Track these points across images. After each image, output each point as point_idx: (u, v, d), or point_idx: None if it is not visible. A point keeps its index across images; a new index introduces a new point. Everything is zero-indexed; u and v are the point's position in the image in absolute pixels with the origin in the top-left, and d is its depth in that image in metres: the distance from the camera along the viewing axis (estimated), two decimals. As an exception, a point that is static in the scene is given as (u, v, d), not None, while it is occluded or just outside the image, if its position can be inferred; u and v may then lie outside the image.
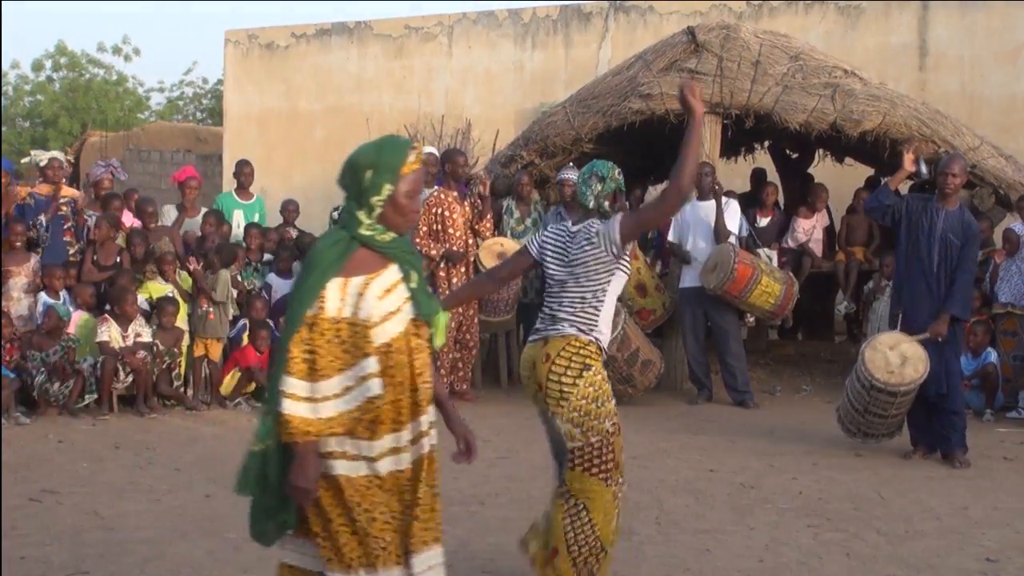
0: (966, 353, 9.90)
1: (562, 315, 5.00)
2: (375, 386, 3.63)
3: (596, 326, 4.99)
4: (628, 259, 5.10)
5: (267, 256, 11.46)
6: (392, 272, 3.72)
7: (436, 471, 3.81)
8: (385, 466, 3.69)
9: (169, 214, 11.51)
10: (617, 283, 5.06)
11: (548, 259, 5.14)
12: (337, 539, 3.67)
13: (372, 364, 3.63)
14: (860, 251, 12.10)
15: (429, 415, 3.81)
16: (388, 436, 3.69)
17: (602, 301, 5.00)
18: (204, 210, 11.57)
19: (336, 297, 3.62)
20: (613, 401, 5.00)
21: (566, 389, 4.90)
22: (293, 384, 3.57)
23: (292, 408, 3.54)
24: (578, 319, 4.97)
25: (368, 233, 3.69)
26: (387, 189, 3.66)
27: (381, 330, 3.65)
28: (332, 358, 3.60)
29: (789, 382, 11.95)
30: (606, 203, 5.14)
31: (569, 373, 4.90)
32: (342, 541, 3.66)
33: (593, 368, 4.94)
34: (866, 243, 12.17)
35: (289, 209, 12.25)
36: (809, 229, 12.21)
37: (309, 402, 3.57)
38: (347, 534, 3.66)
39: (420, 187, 3.83)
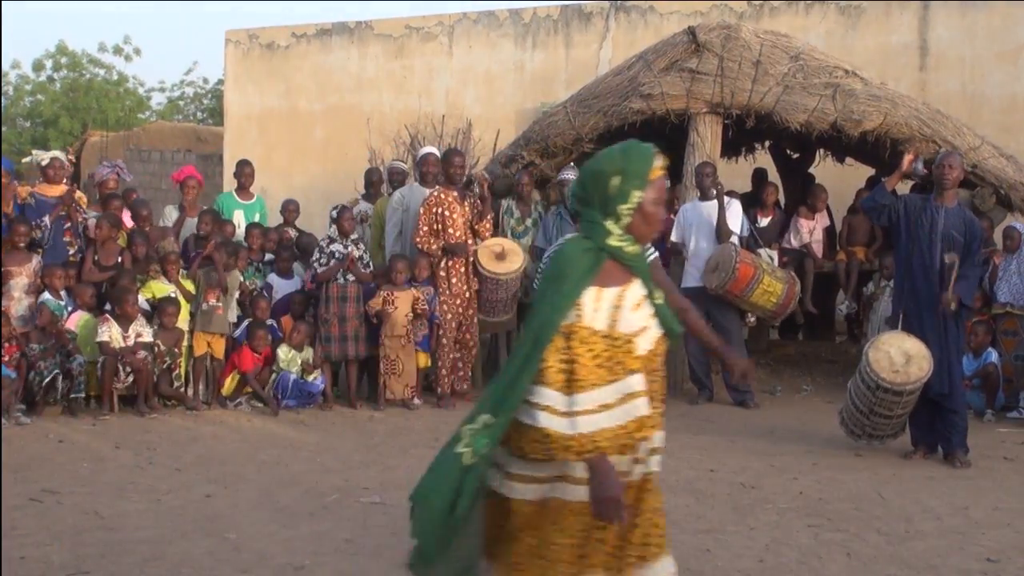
0: (967, 353, 9.90)
1: None
2: (642, 405, 3.48)
3: None
4: None
5: (268, 256, 11.44)
6: (638, 286, 3.57)
7: (658, 492, 3.66)
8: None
9: (170, 215, 11.51)
10: None
11: None
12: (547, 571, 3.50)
13: (638, 382, 3.49)
14: (861, 251, 12.10)
15: (658, 435, 3.63)
16: (616, 457, 3.49)
17: None
18: (203, 209, 11.56)
19: (591, 307, 3.46)
20: None
21: None
22: (550, 396, 3.38)
23: (549, 422, 3.35)
24: None
25: (617, 244, 3.53)
26: (636, 196, 3.50)
27: (638, 346, 3.51)
28: (591, 371, 3.41)
29: (790, 382, 11.96)
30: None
31: None
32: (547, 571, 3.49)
33: None
34: (867, 243, 12.17)
35: (289, 209, 12.25)
36: (811, 229, 12.21)
37: (567, 416, 3.37)
38: (556, 563, 3.49)
39: (665, 194, 3.70)
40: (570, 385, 3.38)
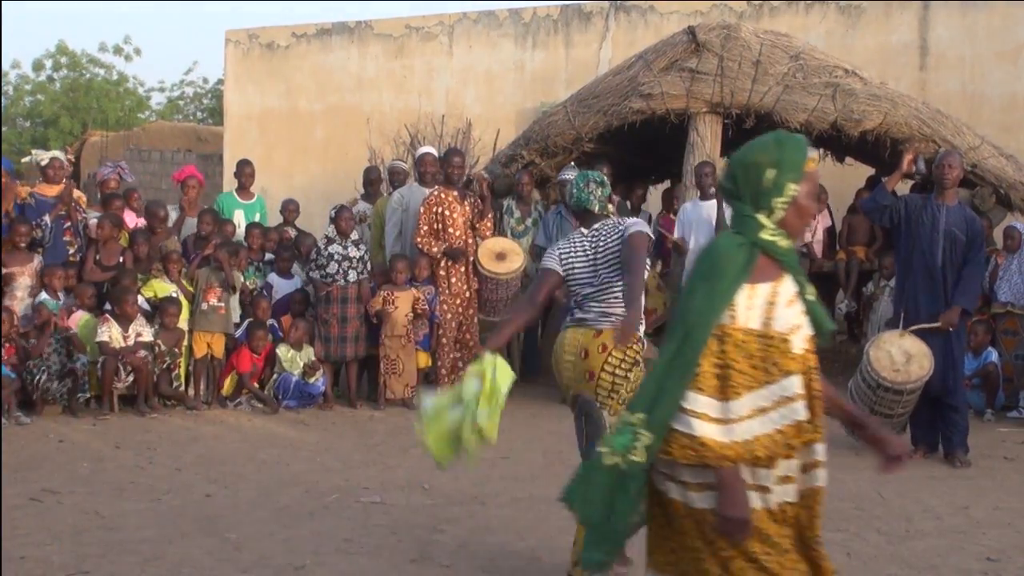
0: (967, 352, 9.89)
1: (615, 308, 5.19)
2: (800, 409, 3.34)
3: (642, 322, 5.19)
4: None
5: (268, 256, 11.44)
6: (789, 282, 3.42)
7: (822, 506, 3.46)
8: (776, 497, 3.37)
9: (170, 214, 11.50)
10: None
11: (576, 268, 5.33)
12: None
13: (796, 384, 3.34)
14: (862, 250, 12.10)
15: (823, 444, 3.42)
16: (782, 463, 3.36)
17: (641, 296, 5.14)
18: (203, 208, 11.56)
19: (744, 306, 3.32)
20: None
21: (618, 383, 5.12)
22: (702, 402, 3.25)
23: (704, 430, 3.22)
24: None
25: (770, 238, 3.38)
26: (792, 189, 3.38)
27: (793, 345, 3.37)
28: (746, 374, 3.28)
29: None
30: (609, 204, 5.44)
31: (622, 367, 5.12)
32: None
33: (640, 364, 5.16)
34: (868, 243, 12.17)
35: (289, 209, 12.25)
36: (812, 229, 12.21)
37: (721, 423, 3.25)
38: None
39: (818, 187, 3.60)
40: (724, 390, 3.27)
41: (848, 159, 13.18)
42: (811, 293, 3.44)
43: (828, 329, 3.49)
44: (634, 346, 5.14)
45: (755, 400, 3.28)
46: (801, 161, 3.41)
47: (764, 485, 3.34)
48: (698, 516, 3.36)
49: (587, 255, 5.35)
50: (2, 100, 29.56)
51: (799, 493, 3.39)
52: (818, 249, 12.17)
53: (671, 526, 3.45)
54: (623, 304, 5.15)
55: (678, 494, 3.39)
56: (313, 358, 10.41)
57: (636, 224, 5.35)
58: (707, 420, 3.23)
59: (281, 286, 11.03)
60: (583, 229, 5.48)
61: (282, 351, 10.36)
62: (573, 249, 5.40)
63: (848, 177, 13.24)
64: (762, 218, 3.39)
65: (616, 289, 5.22)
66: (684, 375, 3.25)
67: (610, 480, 3.36)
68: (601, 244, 5.32)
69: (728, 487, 3.25)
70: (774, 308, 3.34)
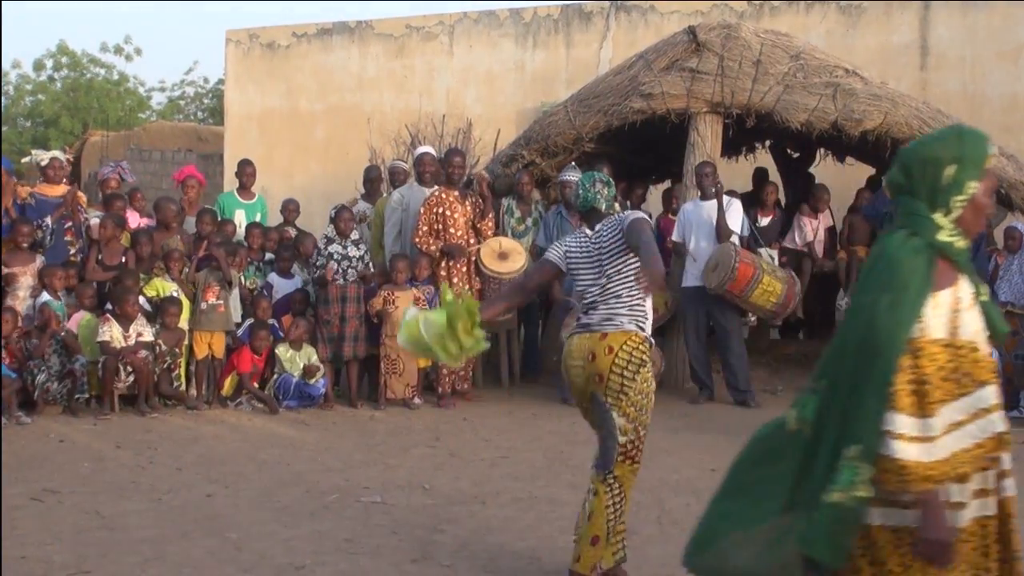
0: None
1: (619, 311, 5.24)
2: (999, 420, 3.17)
3: (646, 324, 5.29)
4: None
5: (269, 256, 11.43)
6: (966, 285, 3.25)
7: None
8: (970, 512, 3.22)
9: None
10: None
11: (580, 267, 5.42)
12: None
13: (992, 394, 3.18)
14: (863, 250, 12.09)
15: (1009, 452, 3.28)
16: (977, 476, 3.21)
17: (647, 299, 5.28)
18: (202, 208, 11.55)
19: (930, 315, 3.14)
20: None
21: (627, 384, 5.14)
22: (901, 422, 3.08)
23: (905, 452, 3.06)
24: (635, 316, 5.24)
25: (947, 239, 3.22)
26: (972, 187, 3.21)
27: (982, 352, 3.22)
28: (941, 388, 3.11)
29: (790, 381, 11.93)
30: (615, 204, 5.57)
31: (630, 368, 5.15)
32: None
33: (647, 365, 5.23)
34: (868, 242, 12.16)
35: (289, 209, 12.25)
36: (814, 229, 12.21)
37: (922, 442, 3.08)
38: None
39: (996, 184, 3.48)
40: (921, 407, 3.10)
41: (849, 159, 13.20)
42: (984, 293, 3.31)
43: (1003, 332, 3.39)
44: (640, 346, 5.19)
45: (951, 414, 3.13)
46: (983, 156, 3.26)
47: (957, 501, 3.20)
48: (899, 537, 3.23)
49: (591, 255, 5.38)
50: (2, 100, 29.57)
51: (997, 504, 3.27)
52: (819, 250, 12.18)
53: (870, 555, 3.29)
54: (627, 308, 5.23)
55: (881, 518, 3.25)
56: (314, 358, 10.41)
57: (633, 213, 5.39)
58: (907, 440, 3.08)
59: (281, 286, 11.03)
60: (587, 230, 5.50)
61: (281, 351, 10.35)
62: (579, 248, 5.45)
63: (848, 177, 13.26)
64: (939, 218, 3.24)
65: (620, 291, 5.25)
66: (881, 396, 3.10)
67: (836, 518, 3.19)
68: (604, 242, 5.35)
69: (930, 509, 3.11)
70: (959, 315, 3.20)
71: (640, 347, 5.20)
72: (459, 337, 4.77)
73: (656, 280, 4.91)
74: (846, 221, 12.37)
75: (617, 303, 5.26)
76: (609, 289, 5.29)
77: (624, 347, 5.16)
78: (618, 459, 5.19)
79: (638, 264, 5.16)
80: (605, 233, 5.38)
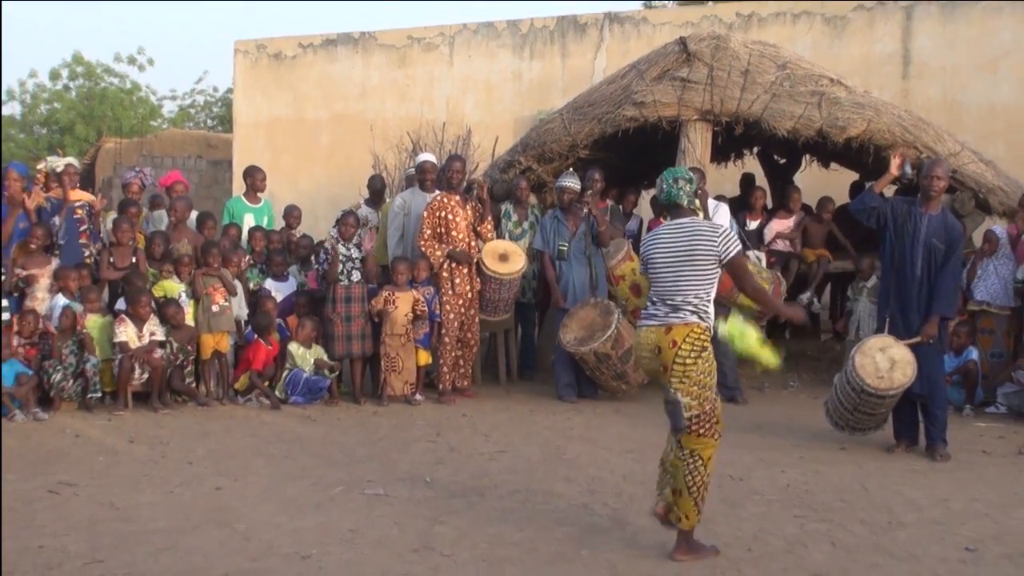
0: (948, 352, 9.91)
1: (684, 305, 5.54)
2: None
3: (709, 314, 5.57)
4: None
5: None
6: None
7: None
8: None
9: (161, 219, 11.48)
10: (718, 276, 5.65)
11: (657, 257, 5.70)
12: None
13: None
14: (812, 254, 12.11)
15: None
16: None
17: (712, 292, 5.60)
18: (195, 213, 11.50)
19: None
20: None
21: (688, 368, 5.48)
22: None
23: None
24: (699, 308, 5.54)
25: None
26: None
27: None
28: None
29: (777, 379, 11.93)
30: (696, 200, 5.81)
31: (691, 356, 5.48)
32: None
33: (708, 349, 5.54)
34: (824, 246, 12.20)
35: (292, 215, 12.25)
36: (784, 230, 12.17)
37: None
38: None
39: None
40: None
41: (833, 165, 13.22)
42: None
43: None
44: (701, 336, 5.51)
45: None
46: None
47: None
48: None
49: (668, 246, 5.65)
50: (1, 105, 29.61)
51: None
52: (796, 246, 12.14)
53: None
54: (692, 304, 5.53)
55: None
56: (324, 355, 10.43)
57: (735, 245, 5.60)
58: None
59: (276, 289, 11.04)
60: (674, 222, 5.75)
61: (293, 348, 10.39)
62: (659, 240, 5.72)
63: (833, 182, 13.27)
64: None
65: (689, 288, 5.55)
66: None
67: None
68: (684, 240, 5.61)
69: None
70: None
71: (701, 336, 5.50)
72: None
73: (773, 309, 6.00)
74: (802, 225, 12.32)
75: (687, 298, 5.54)
76: (684, 283, 5.56)
77: (687, 339, 5.48)
78: (687, 431, 5.55)
79: (713, 270, 5.56)
80: (690, 232, 5.62)
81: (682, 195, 5.74)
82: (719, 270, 5.61)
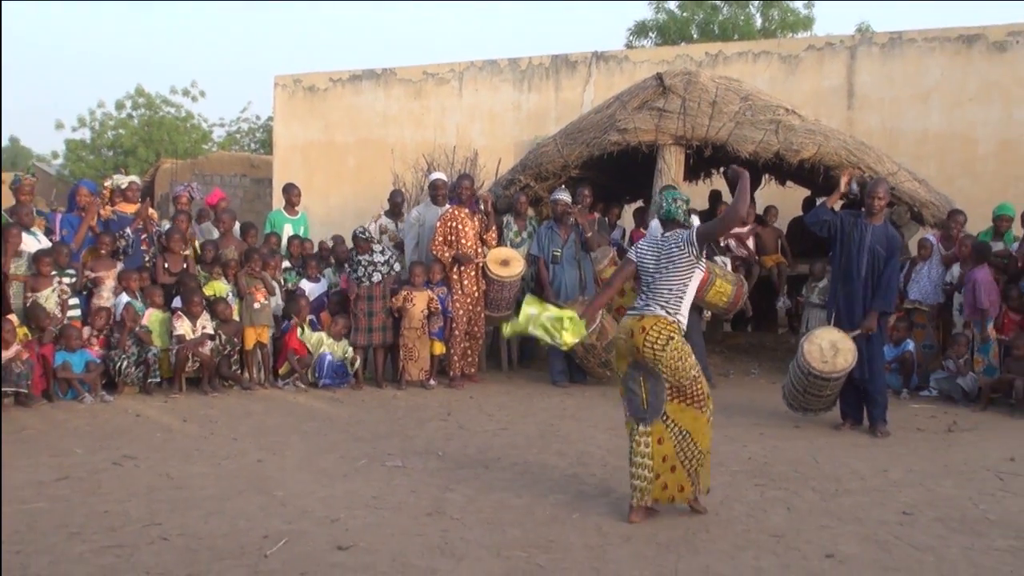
0: (888, 343, 9.89)
1: (656, 301, 5.63)
2: None
3: (679, 311, 5.62)
4: (703, 263, 5.72)
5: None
6: None
7: None
8: None
9: (209, 230, 11.48)
10: (695, 279, 5.68)
11: (646, 262, 5.78)
12: None
13: None
14: (770, 260, 12.10)
15: None
16: None
17: (684, 292, 5.64)
18: (238, 224, 11.50)
19: None
20: (692, 356, 5.67)
21: (658, 354, 5.55)
22: None
23: None
24: (668, 305, 5.61)
25: None
26: None
27: None
28: None
29: (740, 367, 11.94)
30: (690, 216, 5.98)
31: (659, 343, 5.55)
32: None
33: (675, 339, 5.58)
34: (775, 251, 12.19)
35: (293, 193, 12.22)
36: (745, 234, 12.13)
37: None
38: None
39: None
40: None
41: (789, 183, 13.20)
42: None
43: None
44: (668, 327, 5.56)
45: None
46: None
47: None
48: None
49: (656, 254, 5.73)
50: (2, 117, 29.56)
51: None
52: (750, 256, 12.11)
53: None
54: (664, 300, 5.61)
55: None
56: (350, 351, 10.42)
57: (693, 233, 5.67)
58: None
59: (310, 289, 11.05)
60: (659, 234, 5.85)
61: (323, 337, 10.40)
62: (649, 247, 5.80)
63: (788, 197, 13.26)
64: None
65: (661, 288, 5.63)
66: None
67: None
68: (665, 249, 5.69)
69: None
70: None
71: (668, 327, 5.55)
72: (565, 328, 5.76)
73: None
74: (755, 235, 12.29)
75: (659, 295, 5.63)
76: (657, 283, 5.65)
77: (654, 327, 5.55)
78: (668, 399, 5.62)
79: (682, 273, 5.61)
80: (671, 241, 5.69)
81: (679, 212, 5.84)
82: (696, 272, 5.65)
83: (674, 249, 5.65)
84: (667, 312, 5.59)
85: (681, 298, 5.63)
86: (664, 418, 5.64)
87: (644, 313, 5.63)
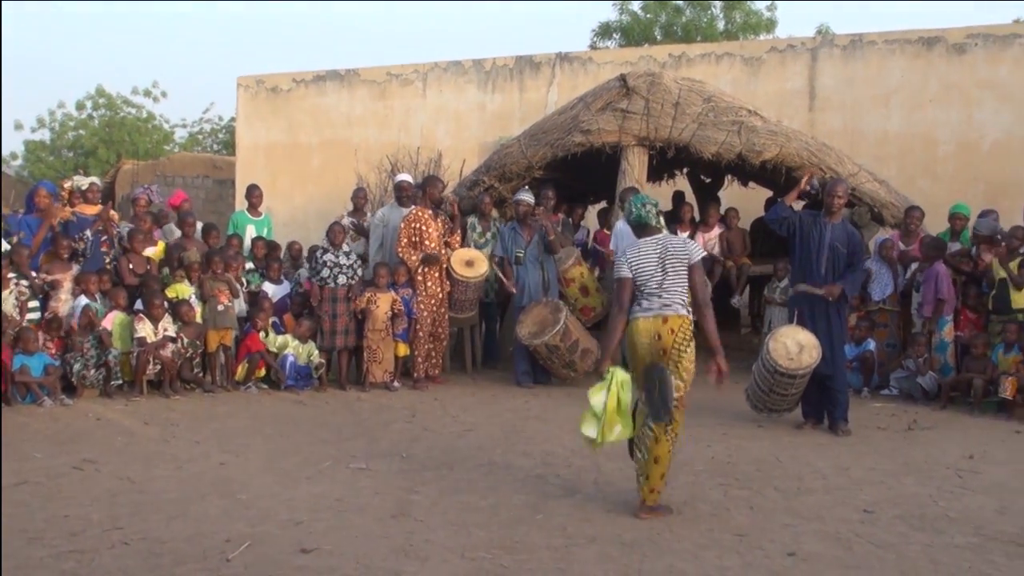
0: (850, 342, 9.99)
1: (674, 299, 5.71)
2: None
3: (689, 308, 5.76)
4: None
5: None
6: None
7: None
8: None
9: (171, 232, 11.38)
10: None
11: (644, 268, 5.78)
12: None
13: None
14: (740, 261, 12.23)
15: None
16: None
17: (686, 292, 5.79)
18: (200, 225, 11.42)
19: None
20: None
21: (682, 355, 5.66)
22: None
23: None
24: (684, 303, 5.73)
25: None
26: None
27: None
28: None
29: (702, 363, 11.97)
30: (660, 219, 6.01)
31: (684, 344, 5.68)
32: None
33: (694, 340, 5.75)
34: (744, 253, 12.31)
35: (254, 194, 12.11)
36: (711, 239, 12.27)
37: None
38: None
39: None
40: None
41: (751, 183, 13.29)
42: None
43: None
44: (690, 327, 5.71)
45: None
46: None
47: None
48: None
49: (655, 257, 5.77)
50: (2, 118, 29.29)
51: None
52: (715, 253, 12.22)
53: None
54: (679, 298, 5.71)
55: None
56: (315, 352, 10.37)
57: (698, 251, 5.85)
58: None
59: (272, 291, 10.98)
60: (649, 238, 5.88)
61: (288, 339, 10.34)
62: (641, 253, 5.81)
63: (751, 198, 13.35)
64: None
65: (673, 288, 5.71)
66: None
67: None
68: (668, 251, 5.76)
69: None
70: None
71: (690, 328, 5.71)
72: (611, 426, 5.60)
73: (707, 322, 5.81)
74: (722, 237, 12.38)
75: (674, 293, 5.71)
76: (667, 282, 5.71)
77: (681, 327, 5.67)
78: (675, 406, 5.65)
79: (684, 270, 5.75)
80: (671, 245, 5.79)
81: (651, 216, 5.92)
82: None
83: (679, 251, 5.76)
84: (687, 311, 5.73)
85: (687, 296, 5.76)
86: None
87: (666, 314, 5.69)
